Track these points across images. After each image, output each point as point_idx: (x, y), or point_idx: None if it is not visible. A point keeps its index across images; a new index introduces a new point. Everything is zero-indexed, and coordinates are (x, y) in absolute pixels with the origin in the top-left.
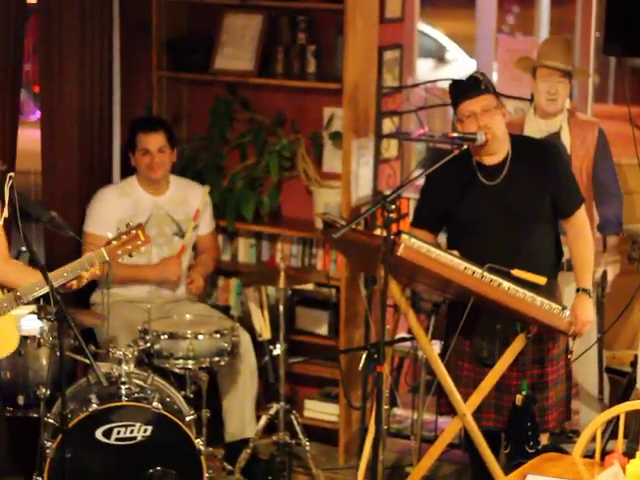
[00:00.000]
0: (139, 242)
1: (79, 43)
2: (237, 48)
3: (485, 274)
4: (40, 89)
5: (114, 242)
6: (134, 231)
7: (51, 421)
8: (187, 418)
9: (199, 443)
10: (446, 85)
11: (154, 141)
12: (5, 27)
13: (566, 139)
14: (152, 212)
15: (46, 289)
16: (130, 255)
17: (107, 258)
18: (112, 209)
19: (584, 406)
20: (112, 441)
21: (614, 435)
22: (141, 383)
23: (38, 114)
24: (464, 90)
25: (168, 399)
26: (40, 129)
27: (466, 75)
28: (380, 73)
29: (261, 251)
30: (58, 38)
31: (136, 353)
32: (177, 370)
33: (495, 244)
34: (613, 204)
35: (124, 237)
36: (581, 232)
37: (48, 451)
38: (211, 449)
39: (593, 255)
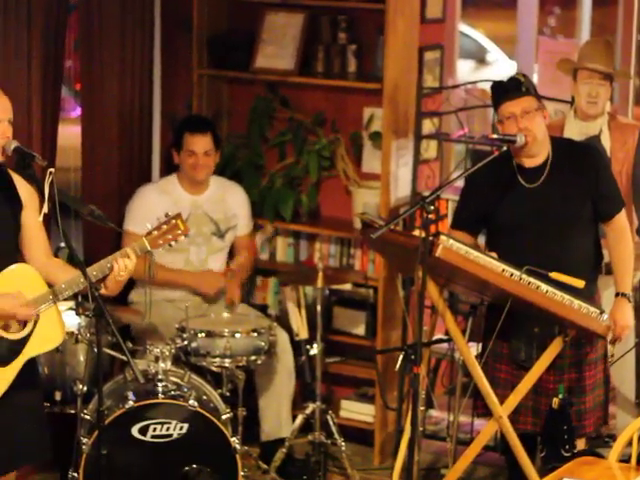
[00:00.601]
0: (179, 231)
1: (120, 40)
2: (278, 47)
3: (523, 276)
4: (81, 86)
5: (155, 232)
6: (174, 220)
7: (87, 417)
8: (223, 416)
9: (235, 441)
10: (486, 86)
11: (201, 143)
12: (46, 24)
13: (606, 142)
14: (191, 211)
15: (83, 285)
16: (170, 245)
17: (149, 248)
18: (152, 207)
19: (620, 411)
20: (148, 438)
21: None
22: (178, 381)
23: (79, 111)
24: (505, 91)
25: (204, 397)
26: (81, 126)
27: (507, 76)
28: (420, 73)
29: (299, 250)
30: (99, 35)
31: (173, 351)
32: (214, 368)
33: (534, 247)
34: None
35: (164, 227)
36: (621, 236)
37: (84, 447)
38: (247, 448)
39: (633, 259)
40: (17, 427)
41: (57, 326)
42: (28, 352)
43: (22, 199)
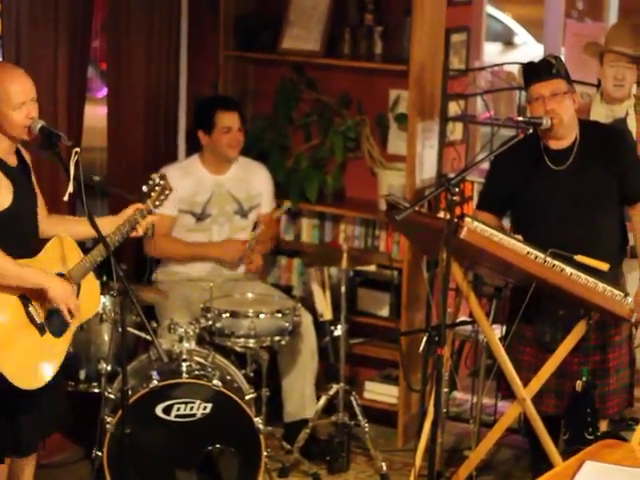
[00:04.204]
0: (167, 191)
1: (147, 21)
2: (304, 28)
3: (548, 259)
4: (107, 66)
5: (153, 194)
6: (162, 181)
7: (112, 396)
8: (247, 397)
9: (258, 422)
10: (513, 69)
11: (234, 119)
12: (74, 4)
13: (632, 125)
14: (213, 191)
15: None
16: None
17: (152, 208)
18: (175, 188)
19: None
20: (172, 418)
21: None
22: (202, 361)
23: (105, 91)
24: (535, 72)
25: (228, 377)
26: (107, 106)
27: (539, 57)
28: (447, 55)
29: (324, 232)
30: (126, 16)
31: (197, 331)
32: (238, 349)
33: (560, 229)
34: None
35: (157, 189)
36: None
37: (108, 426)
38: (270, 428)
39: None
40: (44, 399)
41: (95, 291)
42: (77, 319)
43: (30, 167)
